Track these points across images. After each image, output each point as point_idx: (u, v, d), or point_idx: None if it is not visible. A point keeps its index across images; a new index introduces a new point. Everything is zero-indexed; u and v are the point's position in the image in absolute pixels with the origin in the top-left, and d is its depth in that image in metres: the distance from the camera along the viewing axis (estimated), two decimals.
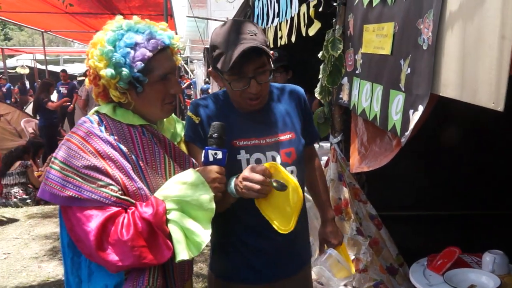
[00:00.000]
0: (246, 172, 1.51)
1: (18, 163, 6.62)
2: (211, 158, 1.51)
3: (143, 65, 1.44)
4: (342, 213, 2.86)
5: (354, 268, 1.84)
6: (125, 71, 1.43)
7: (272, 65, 1.66)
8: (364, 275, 2.75)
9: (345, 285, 2.76)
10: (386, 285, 2.75)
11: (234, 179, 1.56)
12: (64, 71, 11.37)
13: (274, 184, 1.51)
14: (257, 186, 1.48)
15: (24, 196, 6.57)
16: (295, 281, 1.82)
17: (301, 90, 1.87)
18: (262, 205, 1.59)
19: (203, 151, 1.53)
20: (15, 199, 6.53)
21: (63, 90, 10.47)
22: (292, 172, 1.74)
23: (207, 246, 1.61)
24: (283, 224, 1.56)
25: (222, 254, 1.80)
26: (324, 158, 3.26)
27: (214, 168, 1.50)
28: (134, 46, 1.45)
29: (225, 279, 1.81)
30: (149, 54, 1.45)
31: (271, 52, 1.63)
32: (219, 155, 1.51)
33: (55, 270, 4.42)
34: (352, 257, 2.77)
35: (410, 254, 2.91)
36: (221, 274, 1.83)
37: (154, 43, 1.47)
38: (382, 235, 2.96)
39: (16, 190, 6.56)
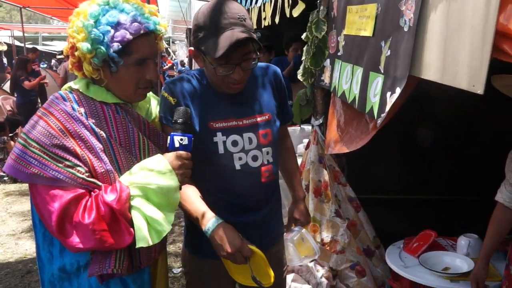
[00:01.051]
0: (236, 241, 1.56)
1: None
2: (177, 144, 1.49)
3: (120, 46, 1.40)
4: (322, 195, 2.88)
5: (318, 248, 1.89)
6: (101, 48, 1.39)
7: (258, 53, 1.64)
8: (341, 256, 2.77)
9: (321, 264, 2.79)
10: (363, 267, 2.79)
11: (216, 225, 1.57)
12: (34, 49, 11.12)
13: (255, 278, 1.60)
14: (236, 260, 1.57)
15: (1, 174, 6.48)
16: (268, 256, 1.83)
17: (277, 70, 1.86)
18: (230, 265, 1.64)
19: (169, 137, 1.50)
20: None
21: (36, 67, 10.25)
22: (267, 153, 1.75)
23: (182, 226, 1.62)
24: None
25: (196, 230, 1.80)
26: (305, 141, 3.27)
27: (181, 154, 1.48)
28: (116, 25, 1.40)
29: (199, 254, 1.82)
30: (129, 36, 1.41)
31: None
32: (185, 140, 1.49)
33: (32, 247, 4.39)
34: (330, 238, 2.79)
35: (387, 236, 2.95)
36: (195, 250, 1.84)
37: (136, 26, 1.42)
38: (360, 217, 3.00)
39: None
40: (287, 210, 2.05)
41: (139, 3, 1.49)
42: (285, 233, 1.95)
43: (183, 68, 15.06)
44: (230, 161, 1.70)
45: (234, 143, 1.69)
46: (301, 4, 2.82)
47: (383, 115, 1.76)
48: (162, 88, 1.70)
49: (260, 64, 1.83)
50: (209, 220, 1.58)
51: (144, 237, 1.38)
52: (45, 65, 15.24)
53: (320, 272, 2.77)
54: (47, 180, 1.34)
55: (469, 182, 3.72)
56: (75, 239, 1.34)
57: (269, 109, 1.77)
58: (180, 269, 3.89)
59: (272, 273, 1.58)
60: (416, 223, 2.92)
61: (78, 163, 1.37)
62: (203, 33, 1.56)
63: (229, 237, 1.54)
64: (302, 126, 3.59)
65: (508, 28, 1.11)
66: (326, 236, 2.80)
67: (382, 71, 1.80)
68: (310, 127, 3.14)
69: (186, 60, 14.48)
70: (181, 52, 18.15)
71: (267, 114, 1.76)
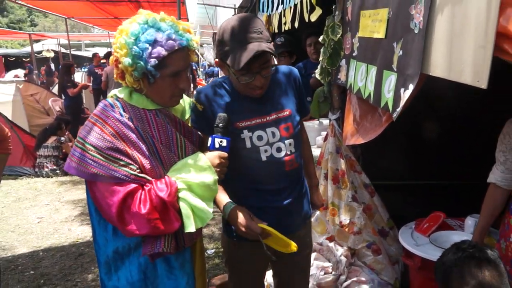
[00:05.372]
0: (244, 221, 1.63)
1: (53, 138, 6.75)
2: (217, 145, 1.60)
3: (156, 62, 1.46)
4: (339, 182, 2.90)
5: (332, 227, 1.93)
6: (140, 63, 1.46)
7: (275, 60, 1.69)
8: (358, 237, 2.80)
9: (340, 244, 2.81)
10: (378, 246, 2.81)
11: (230, 210, 1.67)
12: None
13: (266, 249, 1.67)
14: (248, 236, 1.65)
15: (54, 167, 6.71)
16: (298, 237, 1.87)
17: (295, 70, 1.91)
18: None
19: (210, 138, 1.61)
20: (46, 169, 6.69)
21: (99, 71, 10.15)
22: (290, 144, 1.79)
23: (218, 212, 1.69)
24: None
25: None
26: (323, 133, 3.29)
27: (219, 154, 1.59)
28: (153, 43, 1.46)
29: (235, 238, 1.87)
30: (164, 53, 1.47)
31: (277, 40, 1.67)
32: (224, 143, 1.61)
33: (83, 232, 4.54)
34: (348, 221, 2.82)
35: (400, 218, 2.95)
36: (231, 234, 1.89)
37: (171, 44, 1.48)
38: (375, 201, 3.01)
39: (48, 160, 6.71)
40: None
41: (175, 21, 1.55)
42: None
43: (209, 70, 15.19)
44: (257, 154, 1.76)
45: (259, 138, 1.75)
46: (318, 10, 2.82)
47: (398, 109, 1.77)
48: (194, 95, 1.79)
49: (281, 66, 1.89)
50: (225, 206, 1.69)
51: (191, 224, 1.48)
52: (86, 69, 15.40)
53: (340, 251, 2.80)
54: (106, 178, 1.43)
55: (475, 168, 3.68)
56: (133, 227, 1.44)
57: (289, 106, 1.82)
58: (213, 250, 3.96)
59: (289, 241, 1.66)
60: (426, 206, 2.91)
61: (130, 161, 1.46)
62: (226, 48, 1.62)
63: (239, 218, 1.64)
64: (320, 120, 3.61)
65: (508, 29, 1.12)
66: (344, 219, 2.83)
67: (395, 70, 1.81)
68: (327, 121, 3.15)
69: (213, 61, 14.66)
70: (208, 55, 18.20)
71: (287, 110, 1.80)
